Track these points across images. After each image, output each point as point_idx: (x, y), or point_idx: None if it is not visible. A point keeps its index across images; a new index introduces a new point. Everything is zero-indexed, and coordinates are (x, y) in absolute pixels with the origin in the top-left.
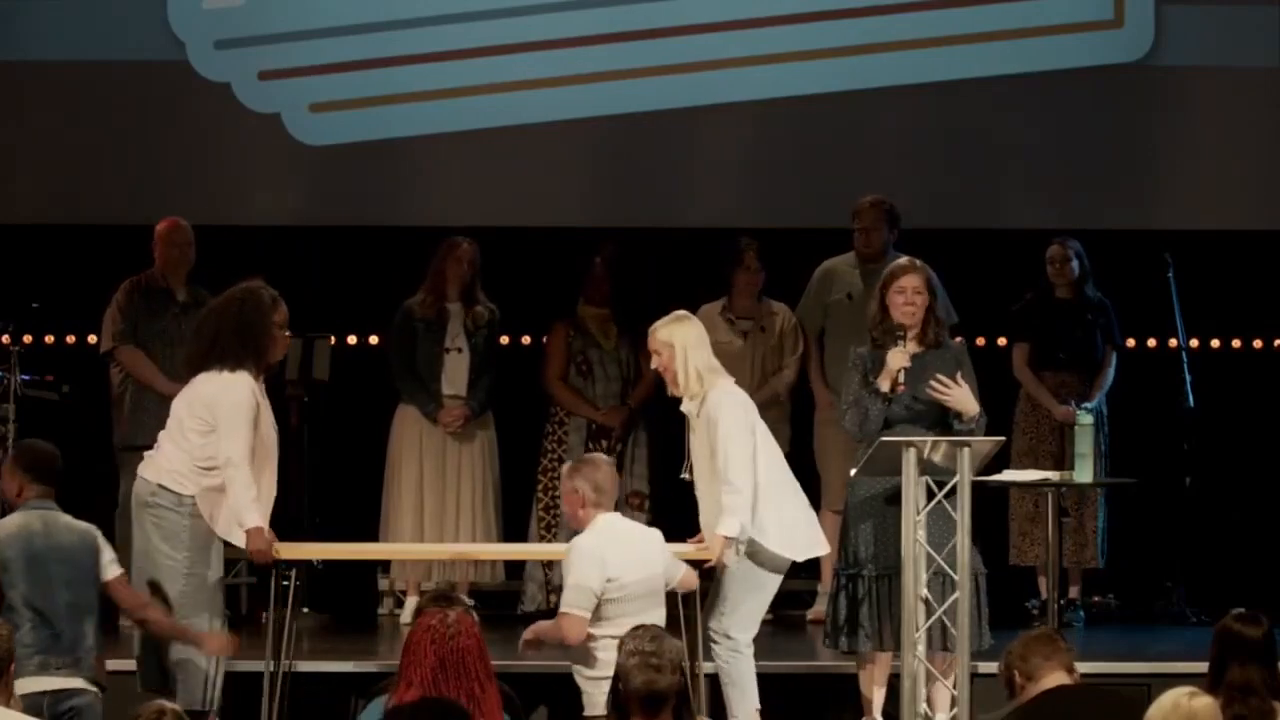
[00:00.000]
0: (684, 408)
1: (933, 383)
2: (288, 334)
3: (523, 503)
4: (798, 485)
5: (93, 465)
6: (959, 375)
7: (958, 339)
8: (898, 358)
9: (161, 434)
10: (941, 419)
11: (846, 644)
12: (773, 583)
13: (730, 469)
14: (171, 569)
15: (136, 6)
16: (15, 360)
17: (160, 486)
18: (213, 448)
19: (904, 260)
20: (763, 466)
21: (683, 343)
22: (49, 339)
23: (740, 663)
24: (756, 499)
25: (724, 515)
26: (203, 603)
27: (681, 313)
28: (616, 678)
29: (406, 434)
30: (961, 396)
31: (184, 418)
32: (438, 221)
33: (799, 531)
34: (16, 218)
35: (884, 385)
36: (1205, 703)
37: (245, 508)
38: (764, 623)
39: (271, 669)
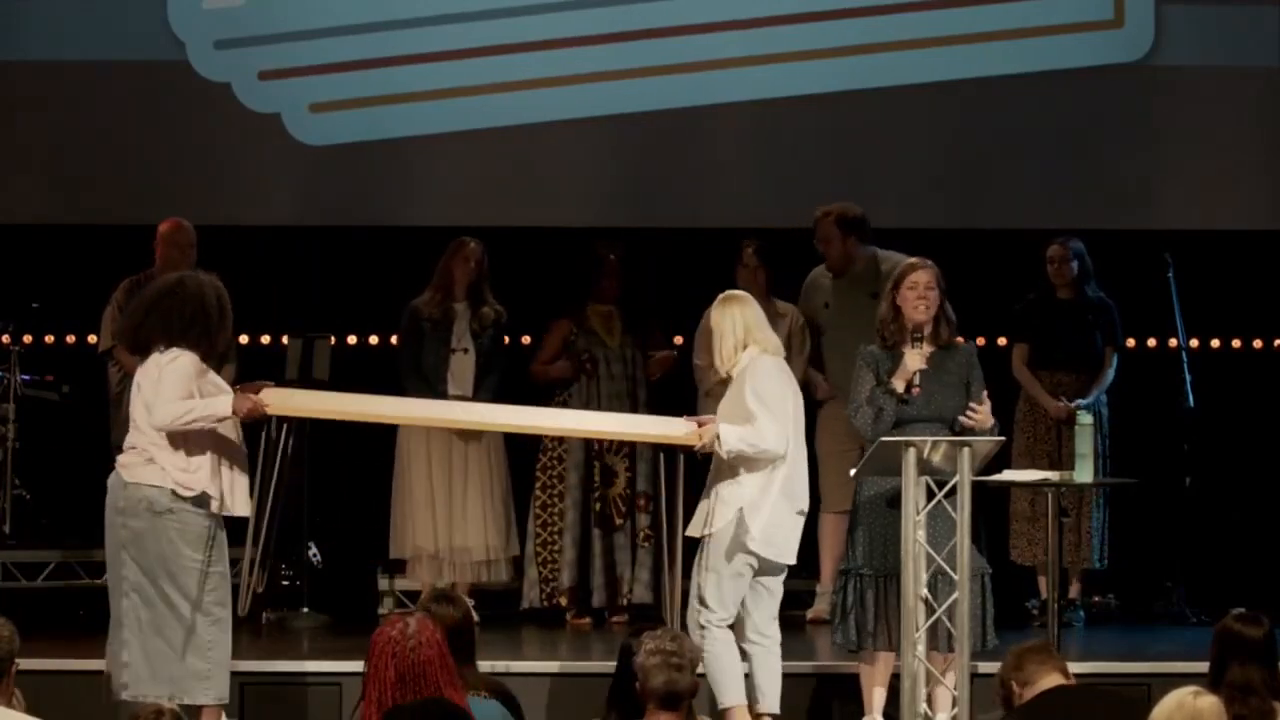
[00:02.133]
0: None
1: (965, 416)
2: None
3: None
4: (803, 481)
5: (92, 465)
6: (973, 375)
7: (959, 339)
8: (915, 359)
9: (137, 439)
10: (953, 420)
11: (853, 640)
12: (746, 565)
13: (762, 429)
14: (196, 570)
15: (136, 6)
16: (15, 360)
17: (174, 494)
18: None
19: (913, 259)
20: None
21: (716, 327)
22: (49, 339)
23: (713, 644)
24: (772, 476)
25: (738, 428)
26: (222, 597)
27: (725, 294)
28: (619, 678)
29: (414, 435)
30: (985, 417)
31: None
32: (438, 221)
33: (779, 531)
34: (16, 218)
35: (899, 386)
36: (1210, 702)
37: (208, 411)
38: None
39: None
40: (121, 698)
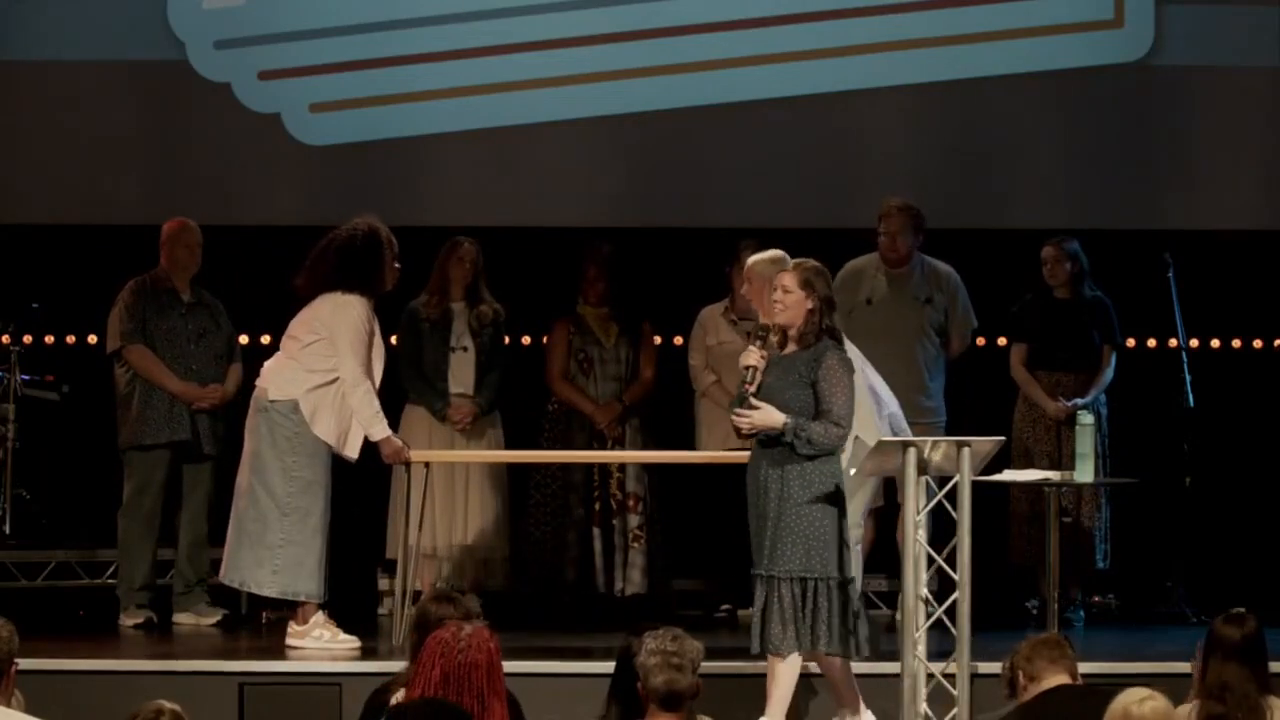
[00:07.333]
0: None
1: (734, 416)
2: (398, 265)
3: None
4: (885, 395)
5: (92, 465)
6: (818, 374)
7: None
8: (748, 357)
9: (285, 346)
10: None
11: (767, 644)
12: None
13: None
14: (281, 469)
15: (136, 6)
16: (15, 360)
17: (271, 402)
18: (320, 357)
19: (799, 259)
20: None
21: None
22: (49, 339)
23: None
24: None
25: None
26: (308, 502)
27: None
28: (619, 678)
29: (415, 433)
30: (760, 419)
31: (301, 335)
32: (438, 221)
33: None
34: (16, 218)
35: (746, 387)
36: (1154, 707)
37: (371, 422)
38: None
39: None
40: (221, 581)
